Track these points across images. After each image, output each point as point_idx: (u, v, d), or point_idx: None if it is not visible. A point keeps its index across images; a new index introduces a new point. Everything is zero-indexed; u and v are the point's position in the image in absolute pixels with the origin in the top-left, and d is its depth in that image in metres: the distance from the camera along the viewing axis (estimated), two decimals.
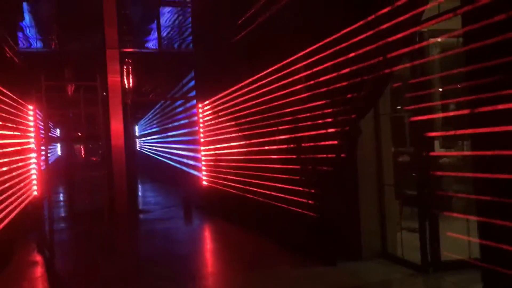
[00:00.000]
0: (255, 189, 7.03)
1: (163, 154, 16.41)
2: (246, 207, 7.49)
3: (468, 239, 4.16)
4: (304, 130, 5.66)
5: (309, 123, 5.53)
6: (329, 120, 5.11)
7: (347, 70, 4.70)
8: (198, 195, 10.43)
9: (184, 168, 12.58)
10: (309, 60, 5.38)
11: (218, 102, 8.86)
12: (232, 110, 8.03)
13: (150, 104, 17.76)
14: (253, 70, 7.00)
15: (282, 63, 6.01)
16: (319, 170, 5.33)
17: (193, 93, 10.95)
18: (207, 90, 9.68)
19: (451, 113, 4.14)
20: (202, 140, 10.14)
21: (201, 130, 10.14)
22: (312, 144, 5.51)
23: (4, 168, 6.47)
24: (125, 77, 10.40)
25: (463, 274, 4.41)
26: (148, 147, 21.62)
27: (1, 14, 7.97)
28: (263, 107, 6.71)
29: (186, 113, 12.11)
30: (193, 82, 11.08)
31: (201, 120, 10.15)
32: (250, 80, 7.11)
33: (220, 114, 8.78)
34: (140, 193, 13.69)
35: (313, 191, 5.48)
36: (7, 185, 6.47)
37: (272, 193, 6.47)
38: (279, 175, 6.31)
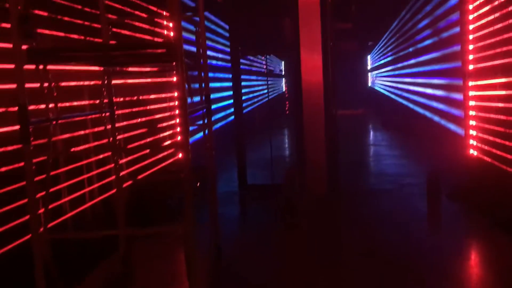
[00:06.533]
0: None
1: (398, 92, 11.76)
2: None
3: None
4: None
5: None
6: None
7: None
8: (454, 170, 5.68)
9: (430, 115, 7.83)
10: None
11: None
12: None
13: (383, 24, 13.05)
14: None
15: None
16: None
17: None
18: None
19: None
20: (470, 66, 5.20)
21: (469, 47, 5.16)
22: None
23: None
24: None
25: None
26: (380, 82, 17.05)
27: None
28: None
29: (436, 25, 7.11)
30: None
31: (470, 28, 5.15)
32: None
33: None
34: (365, 147, 9.60)
35: None
36: None
37: None
38: None
